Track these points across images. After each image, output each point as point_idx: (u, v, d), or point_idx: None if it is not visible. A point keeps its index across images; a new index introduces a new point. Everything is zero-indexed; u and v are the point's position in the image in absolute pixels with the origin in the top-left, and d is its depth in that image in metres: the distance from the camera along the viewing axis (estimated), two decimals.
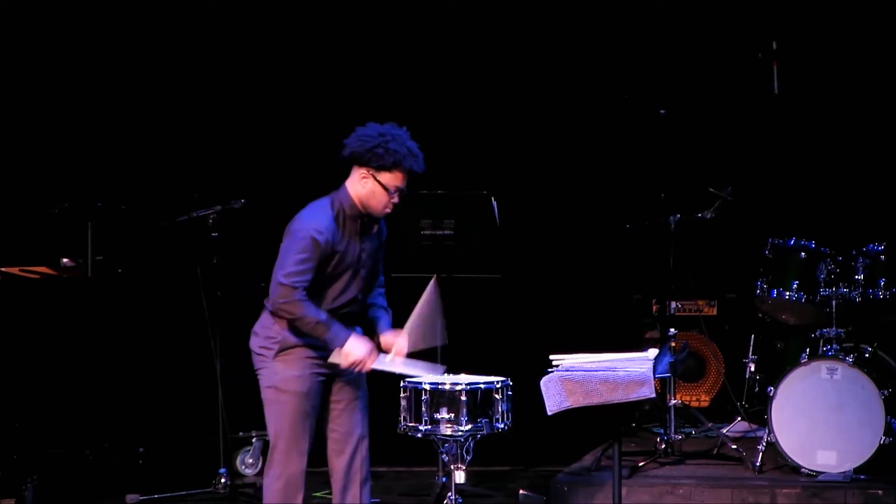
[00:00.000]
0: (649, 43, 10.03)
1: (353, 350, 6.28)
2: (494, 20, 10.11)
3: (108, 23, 9.81)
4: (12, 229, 9.17)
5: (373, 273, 6.52)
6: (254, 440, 8.92)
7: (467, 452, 6.45)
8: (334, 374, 6.43)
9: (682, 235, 8.86)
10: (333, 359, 6.29)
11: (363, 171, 6.30)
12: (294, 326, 6.32)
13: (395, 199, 6.34)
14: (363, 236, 6.39)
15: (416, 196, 8.21)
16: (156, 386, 9.24)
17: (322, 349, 6.35)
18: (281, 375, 6.36)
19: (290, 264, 6.22)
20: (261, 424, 8.72)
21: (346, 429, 6.48)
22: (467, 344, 8.74)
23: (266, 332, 6.39)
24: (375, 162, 6.27)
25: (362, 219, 6.36)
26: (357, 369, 6.35)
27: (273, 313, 6.34)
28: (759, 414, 8.77)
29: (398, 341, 6.40)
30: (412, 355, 6.42)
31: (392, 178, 6.28)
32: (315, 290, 6.30)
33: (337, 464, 6.49)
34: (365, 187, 6.32)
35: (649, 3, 10.08)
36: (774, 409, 8.09)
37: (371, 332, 6.51)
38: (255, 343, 6.45)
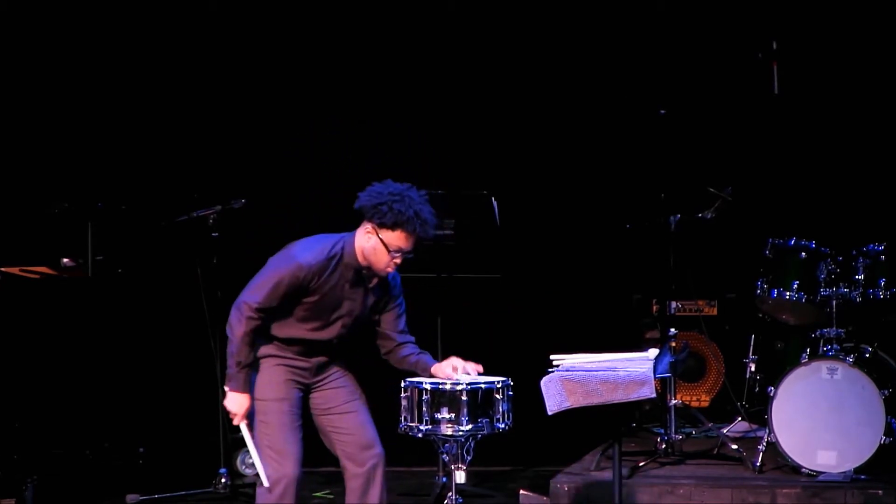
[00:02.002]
0: (649, 43, 10.03)
1: (230, 402, 6.32)
2: (495, 20, 10.11)
3: (108, 23, 9.81)
4: (12, 229, 9.17)
5: (362, 325, 6.44)
6: None
7: (468, 452, 6.44)
8: (310, 384, 6.44)
9: (682, 235, 8.86)
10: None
11: (369, 225, 6.26)
12: (267, 335, 6.33)
13: (398, 260, 6.28)
14: (355, 286, 6.34)
15: None
16: (156, 386, 9.25)
17: (293, 357, 6.36)
18: (258, 383, 6.35)
19: (261, 289, 6.21)
20: None
21: (360, 434, 6.44)
22: (467, 344, 8.74)
23: None
24: (378, 219, 6.22)
25: (360, 270, 6.32)
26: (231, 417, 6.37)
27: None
28: (760, 414, 8.77)
29: (454, 362, 6.43)
30: None
31: (394, 238, 6.23)
32: (288, 319, 6.30)
33: (353, 469, 6.44)
34: (368, 242, 6.27)
35: (649, 3, 10.07)
36: (775, 409, 8.10)
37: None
38: None
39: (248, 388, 6.31)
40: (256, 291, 6.22)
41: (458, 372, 6.40)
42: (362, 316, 6.41)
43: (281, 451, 6.30)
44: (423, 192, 6.33)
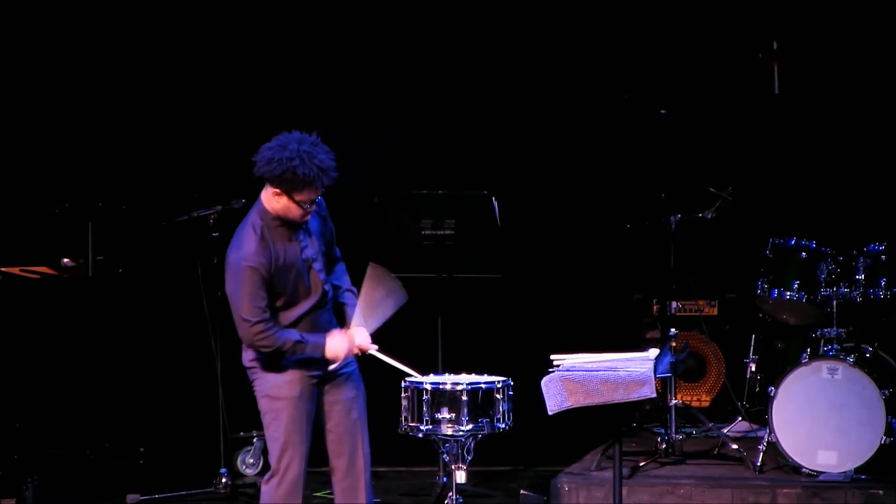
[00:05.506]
0: (649, 43, 10.02)
1: (336, 349, 6.31)
2: (494, 19, 10.09)
3: (107, 22, 9.80)
4: (12, 229, 9.17)
5: (328, 257, 6.47)
6: (254, 440, 8.92)
7: (468, 452, 6.45)
8: (327, 375, 6.42)
9: (682, 235, 8.86)
10: (332, 366, 6.33)
11: (278, 189, 6.26)
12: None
13: (310, 208, 6.29)
14: (296, 234, 6.34)
15: (416, 196, 8.21)
16: (156, 386, 9.24)
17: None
18: (272, 383, 6.34)
19: (243, 302, 6.18)
20: (261, 424, 8.75)
21: (345, 429, 6.46)
22: (467, 344, 8.76)
23: None
24: (286, 185, 6.22)
25: (288, 223, 6.32)
26: (351, 357, 6.38)
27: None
28: (760, 414, 8.77)
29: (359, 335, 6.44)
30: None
31: (304, 196, 6.23)
32: (281, 306, 6.29)
33: (338, 465, 6.47)
34: (279, 203, 6.27)
35: (649, 3, 10.07)
36: (775, 409, 8.10)
37: (340, 314, 6.52)
38: (245, 358, 6.43)
39: (322, 336, 6.28)
40: (245, 310, 6.18)
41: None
42: (323, 247, 6.42)
43: (290, 453, 6.32)
44: (313, 135, 6.32)
